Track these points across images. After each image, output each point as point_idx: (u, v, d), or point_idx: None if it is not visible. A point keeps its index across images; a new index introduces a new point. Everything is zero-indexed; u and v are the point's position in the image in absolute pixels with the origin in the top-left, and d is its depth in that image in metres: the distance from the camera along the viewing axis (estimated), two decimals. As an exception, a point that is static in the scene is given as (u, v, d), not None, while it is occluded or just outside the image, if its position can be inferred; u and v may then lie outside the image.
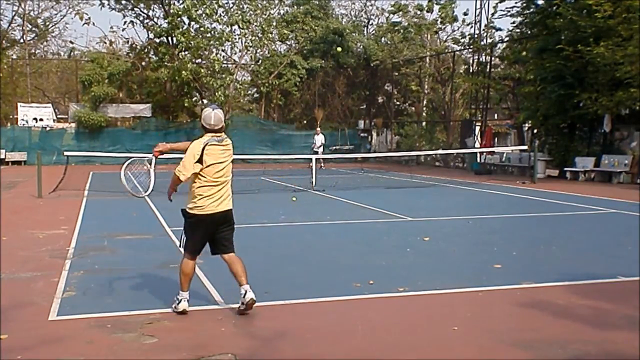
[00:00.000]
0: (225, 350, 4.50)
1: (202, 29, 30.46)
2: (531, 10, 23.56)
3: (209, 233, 5.43)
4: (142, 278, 6.75)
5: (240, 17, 30.60)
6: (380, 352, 4.53)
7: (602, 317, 5.35)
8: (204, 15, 29.87)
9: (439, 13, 32.96)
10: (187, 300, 5.37)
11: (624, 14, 18.37)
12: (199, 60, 30.71)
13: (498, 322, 5.25)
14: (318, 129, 28.42)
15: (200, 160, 5.25)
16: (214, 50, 31.32)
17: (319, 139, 27.19)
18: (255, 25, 31.29)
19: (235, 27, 31.03)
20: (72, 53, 39.78)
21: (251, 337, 4.81)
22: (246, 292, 5.25)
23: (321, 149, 26.71)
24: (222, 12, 30.54)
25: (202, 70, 29.71)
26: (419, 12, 34.17)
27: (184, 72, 28.75)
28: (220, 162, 5.32)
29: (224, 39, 30.72)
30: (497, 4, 25.63)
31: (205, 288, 6.24)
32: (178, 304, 5.36)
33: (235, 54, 32.72)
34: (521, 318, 5.38)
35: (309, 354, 4.50)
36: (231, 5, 31.12)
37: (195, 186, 5.35)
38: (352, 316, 5.39)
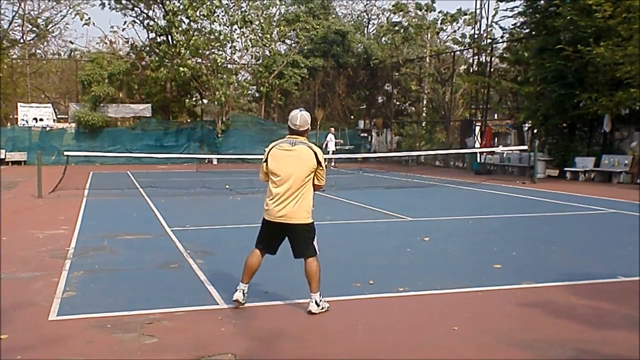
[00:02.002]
0: (225, 350, 4.50)
1: (201, 28, 30.46)
2: (532, 10, 23.57)
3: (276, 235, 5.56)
4: (142, 278, 6.75)
5: (240, 17, 30.61)
6: (380, 352, 4.53)
7: (602, 317, 5.35)
8: (201, 15, 29.87)
9: (443, 17, 32.94)
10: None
11: (624, 14, 18.37)
12: (199, 59, 30.67)
13: (498, 322, 5.25)
14: (332, 129, 28.87)
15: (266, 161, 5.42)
16: (215, 50, 31.30)
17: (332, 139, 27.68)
18: (256, 25, 31.28)
19: (235, 27, 31.03)
20: (72, 53, 39.80)
21: (251, 337, 4.81)
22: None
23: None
24: (221, 12, 30.53)
25: (202, 69, 29.68)
26: (419, 12, 34.13)
27: (181, 68, 28.70)
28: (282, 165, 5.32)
29: (222, 38, 30.73)
30: (498, 3, 25.61)
31: (205, 288, 6.24)
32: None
33: (234, 53, 32.71)
34: (521, 318, 5.38)
35: (309, 354, 4.50)
36: (231, 5, 31.12)
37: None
38: (352, 316, 5.39)
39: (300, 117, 5.33)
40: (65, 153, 17.80)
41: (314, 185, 5.40)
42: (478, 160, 26.01)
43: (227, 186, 16.39)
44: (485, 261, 7.60)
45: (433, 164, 29.92)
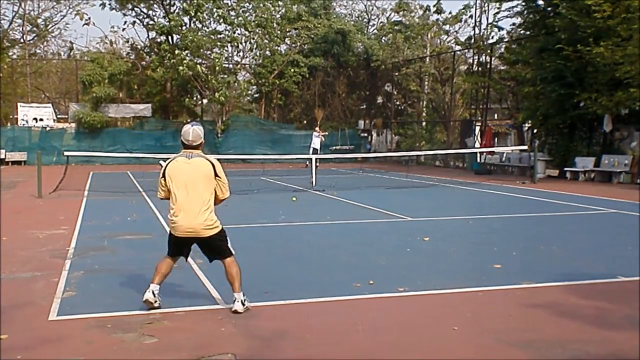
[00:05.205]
0: (225, 350, 4.50)
1: (204, 28, 30.49)
2: (530, 10, 23.57)
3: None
4: (142, 278, 6.74)
5: (242, 20, 30.65)
6: (380, 352, 4.53)
7: (602, 317, 5.35)
8: (205, 16, 29.91)
9: (446, 18, 32.88)
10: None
11: (623, 14, 18.36)
12: (199, 59, 30.67)
13: (498, 322, 5.25)
14: (317, 128, 28.41)
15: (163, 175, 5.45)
16: (217, 50, 31.30)
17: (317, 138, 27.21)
18: (258, 25, 31.29)
19: (239, 29, 31.08)
20: (71, 52, 39.80)
21: (251, 337, 4.81)
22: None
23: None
24: (224, 12, 30.53)
25: (201, 69, 29.65)
26: (424, 13, 34.05)
27: (180, 67, 28.68)
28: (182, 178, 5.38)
29: (225, 39, 30.75)
30: (499, 3, 25.57)
31: (205, 288, 6.24)
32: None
33: (237, 54, 32.76)
34: (521, 318, 5.38)
35: (309, 354, 4.50)
36: (233, 5, 31.15)
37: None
38: (352, 316, 5.39)
39: (192, 132, 5.39)
40: (65, 153, 17.79)
41: (216, 197, 5.46)
42: (478, 160, 26.01)
43: None
44: (485, 261, 7.60)
45: (433, 164, 29.91)
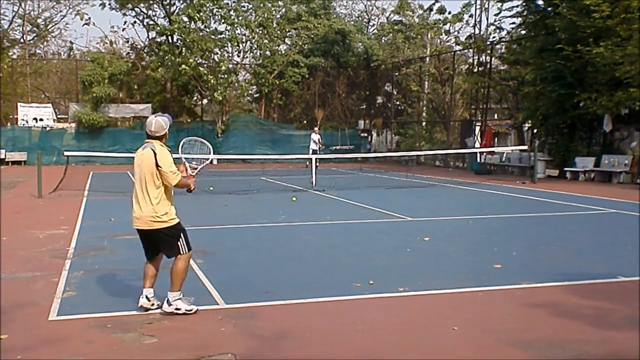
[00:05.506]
0: (225, 350, 4.50)
1: (206, 29, 30.50)
2: (531, 10, 23.56)
3: None
4: (142, 278, 6.74)
5: (243, 20, 30.65)
6: (380, 352, 4.53)
7: (602, 317, 5.36)
8: (206, 15, 29.94)
9: (445, 17, 32.85)
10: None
11: (623, 14, 18.36)
12: (200, 59, 30.68)
13: (498, 322, 5.25)
14: (316, 128, 28.33)
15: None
16: (218, 50, 31.31)
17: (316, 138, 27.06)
18: (259, 25, 31.30)
19: (239, 28, 31.09)
20: (71, 52, 39.81)
21: (251, 337, 4.81)
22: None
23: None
24: (225, 12, 30.55)
25: (203, 70, 29.67)
26: (425, 12, 34.01)
27: (183, 66, 28.67)
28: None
29: (226, 39, 30.75)
30: (500, 3, 25.56)
31: (205, 288, 6.24)
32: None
33: (239, 55, 32.74)
34: (521, 318, 5.38)
35: (309, 354, 4.50)
36: (233, 5, 31.17)
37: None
38: (352, 316, 5.39)
39: (155, 122, 5.42)
40: (65, 153, 17.79)
41: (169, 185, 5.34)
42: (478, 160, 26.00)
43: (211, 188, 16.36)
44: (485, 261, 7.60)
45: (433, 164, 29.92)
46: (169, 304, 5.29)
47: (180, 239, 5.35)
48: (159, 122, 5.43)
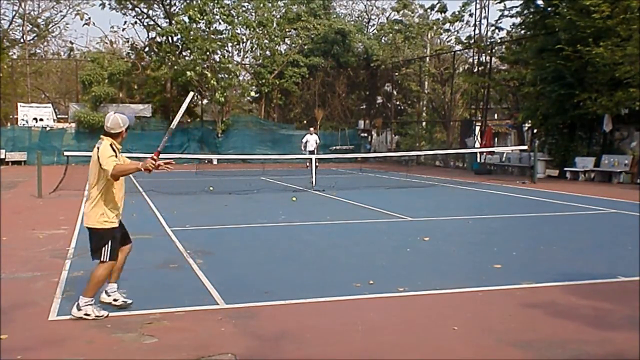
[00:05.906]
0: (225, 350, 4.50)
1: (208, 30, 30.51)
2: (530, 10, 23.57)
3: None
4: (142, 278, 6.74)
5: (243, 20, 30.65)
6: (380, 352, 4.53)
7: (602, 317, 5.36)
8: (208, 18, 29.96)
9: (445, 17, 32.84)
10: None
11: (623, 15, 18.37)
12: (201, 61, 30.67)
13: (498, 322, 5.25)
14: (311, 129, 28.20)
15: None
16: (219, 51, 31.31)
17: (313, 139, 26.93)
18: (259, 24, 31.30)
19: (239, 28, 31.09)
20: (71, 52, 39.81)
21: (251, 337, 4.81)
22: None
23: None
24: (225, 12, 30.54)
25: (208, 73, 29.67)
26: (425, 12, 34.01)
27: (189, 72, 28.71)
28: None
29: (226, 38, 30.76)
30: (500, 3, 25.56)
31: (205, 288, 6.24)
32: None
33: (239, 55, 32.75)
34: (521, 318, 5.38)
35: (309, 354, 4.50)
36: (233, 4, 31.16)
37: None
38: (352, 316, 5.39)
39: (111, 119, 5.31)
40: (65, 153, 17.78)
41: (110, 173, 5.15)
42: (478, 160, 26.01)
43: (211, 188, 16.35)
44: (485, 261, 7.60)
45: (433, 164, 29.92)
46: (79, 309, 5.20)
47: (106, 246, 5.25)
48: (116, 119, 5.30)
